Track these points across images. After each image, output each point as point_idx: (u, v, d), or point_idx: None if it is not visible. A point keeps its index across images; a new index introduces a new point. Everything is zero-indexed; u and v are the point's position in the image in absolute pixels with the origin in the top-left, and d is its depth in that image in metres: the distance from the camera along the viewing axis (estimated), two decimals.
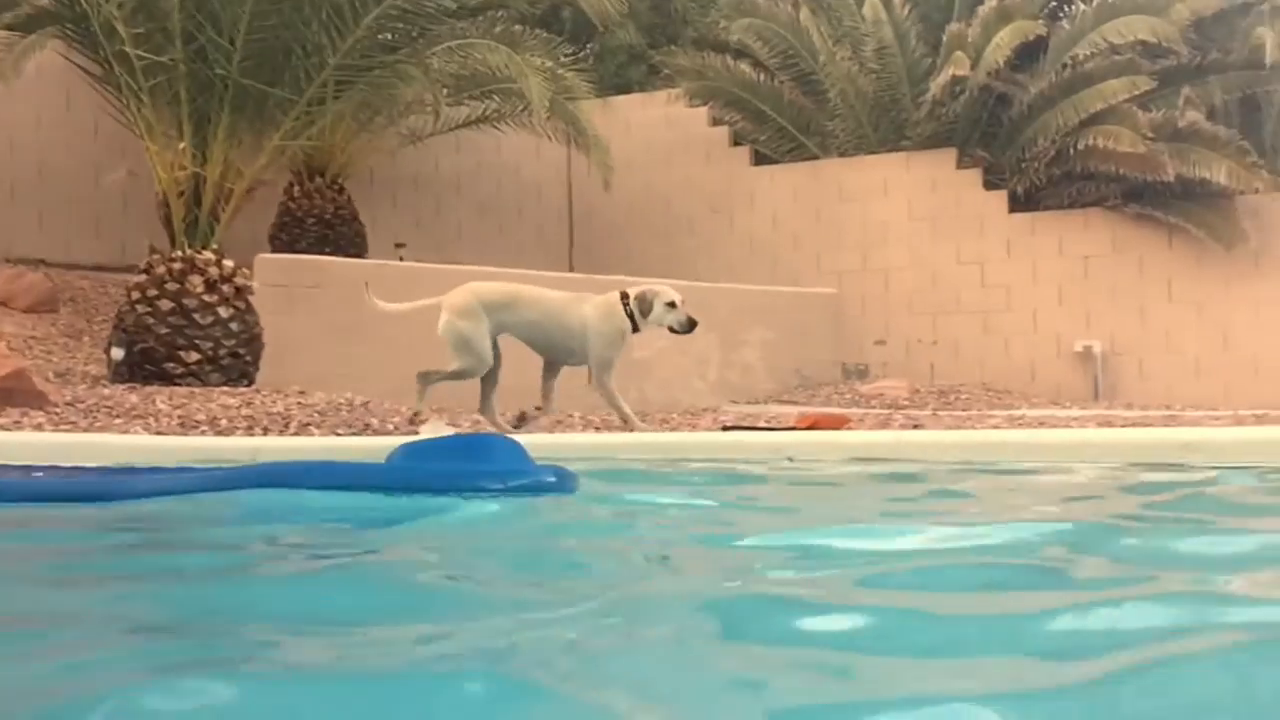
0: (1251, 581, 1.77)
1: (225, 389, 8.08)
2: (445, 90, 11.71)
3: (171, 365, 8.39)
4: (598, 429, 7.49)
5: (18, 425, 6.36)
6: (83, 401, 7.17)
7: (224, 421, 6.94)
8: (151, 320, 8.47)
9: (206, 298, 8.54)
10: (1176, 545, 2.21)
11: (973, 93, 12.88)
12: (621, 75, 15.79)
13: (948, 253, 12.94)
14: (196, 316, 8.46)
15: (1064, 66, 12.76)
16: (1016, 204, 12.88)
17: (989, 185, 12.98)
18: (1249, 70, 12.93)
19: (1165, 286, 12.30)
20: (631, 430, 6.76)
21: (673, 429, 8.16)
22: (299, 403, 7.74)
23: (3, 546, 2.61)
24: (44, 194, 11.73)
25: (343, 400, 7.97)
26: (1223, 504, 3.07)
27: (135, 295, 8.57)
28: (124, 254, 11.06)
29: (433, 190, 13.93)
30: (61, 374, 8.74)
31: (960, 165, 13.05)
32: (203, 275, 8.57)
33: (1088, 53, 12.63)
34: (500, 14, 11.29)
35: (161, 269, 8.57)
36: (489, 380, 6.79)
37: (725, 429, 7.66)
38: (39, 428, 6.32)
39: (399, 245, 12.16)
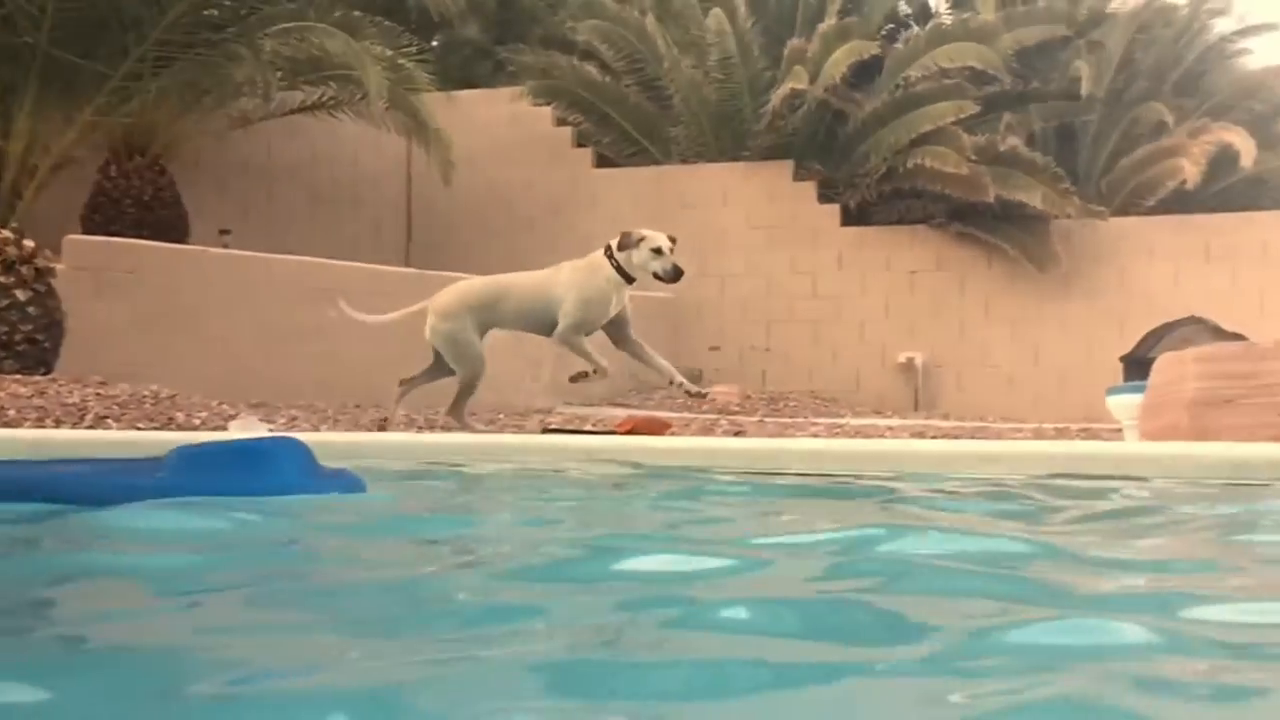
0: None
1: (18, 377, 7.59)
2: (279, 74, 11.31)
3: None
4: (420, 429, 7.35)
5: None
6: None
7: (11, 412, 6.52)
8: None
9: (3, 279, 8.03)
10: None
11: (811, 107, 13.18)
12: (467, 70, 15.60)
13: (783, 262, 13.21)
14: None
15: (897, 87, 13.18)
16: (849, 218, 13.25)
17: (823, 198, 13.31)
18: (1066, 100, 13.64)
19: (983, 303, 12.86)
20: (604, 377, 6.69)
21: (499, 430, 8.07)
22: (98, 394, 7.32)
23: None
24: None
25: (148, 393, 7.58)
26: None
27: None
28: None
29: (264, 177, 13.44)
30: None
31: (797, 177, 13.34)
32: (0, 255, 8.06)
33: (919, 75, 13.08)
34: None
35: None
36: (430, 373, 6.61)
37: (546, 431, 7.61)
38: None
39: (223, 232, 11.67)
